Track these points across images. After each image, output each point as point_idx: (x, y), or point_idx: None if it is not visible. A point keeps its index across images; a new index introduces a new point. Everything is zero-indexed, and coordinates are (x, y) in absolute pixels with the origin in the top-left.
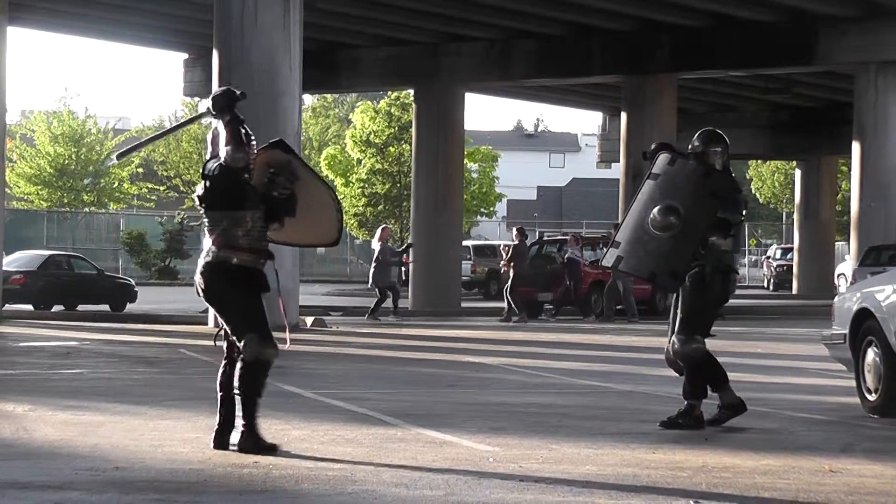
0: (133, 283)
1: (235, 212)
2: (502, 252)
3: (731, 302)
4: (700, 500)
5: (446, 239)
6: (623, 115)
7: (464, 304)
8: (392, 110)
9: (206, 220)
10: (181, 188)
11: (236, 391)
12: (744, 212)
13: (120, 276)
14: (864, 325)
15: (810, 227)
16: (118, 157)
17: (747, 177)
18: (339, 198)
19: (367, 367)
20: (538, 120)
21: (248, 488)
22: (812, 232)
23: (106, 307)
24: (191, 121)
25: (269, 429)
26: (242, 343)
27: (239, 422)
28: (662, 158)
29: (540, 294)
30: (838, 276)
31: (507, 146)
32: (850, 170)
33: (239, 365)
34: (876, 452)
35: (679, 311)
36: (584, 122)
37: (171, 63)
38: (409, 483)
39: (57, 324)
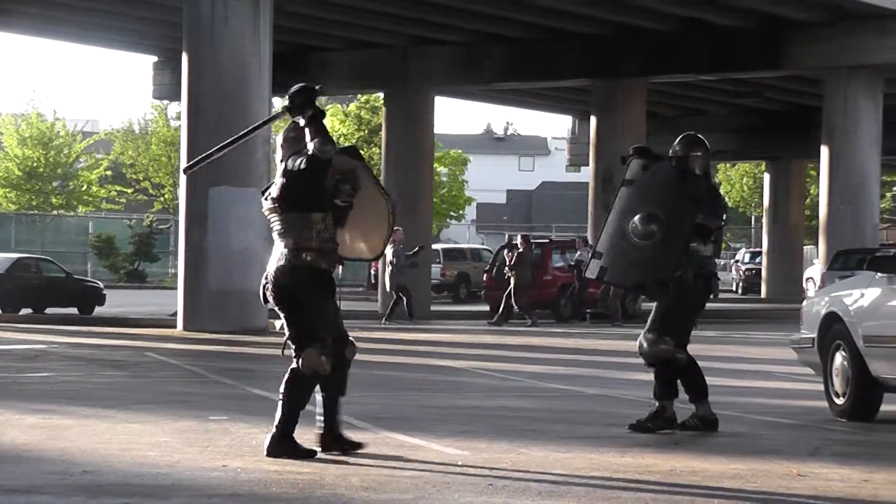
0: (102, 286)
1: (312, 213)
2: (506, 257)
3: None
4: None
5: (415, 242)
6: (593, 119)
7: (433, 308)
8: (362, 113)
9: (278, 222)
10: (150, 191)
11: (281, 396)
12: (724, 217)
13: (88, 279)
14: (833, 328)
15: (779, 230)
16: (185, 171)
17: (717, 180)
18: (395, 211)
19: None
20: (508, 123)
21: (216, 492)
22: (781, 236)
23: (74, 310)
24: (267, 122)
25: (237, 432)
26: (302, 353)
27: (273, 426)
28: (635, 164)
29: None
30: (807, 279)
31: (476, 150)
32: (818, 174)
33: (290, 373)
34: (844, 456)
35: (654, 310)
36: (554, 125)
37: (140, 66)
38: (377, 487)
39: (25, 327)
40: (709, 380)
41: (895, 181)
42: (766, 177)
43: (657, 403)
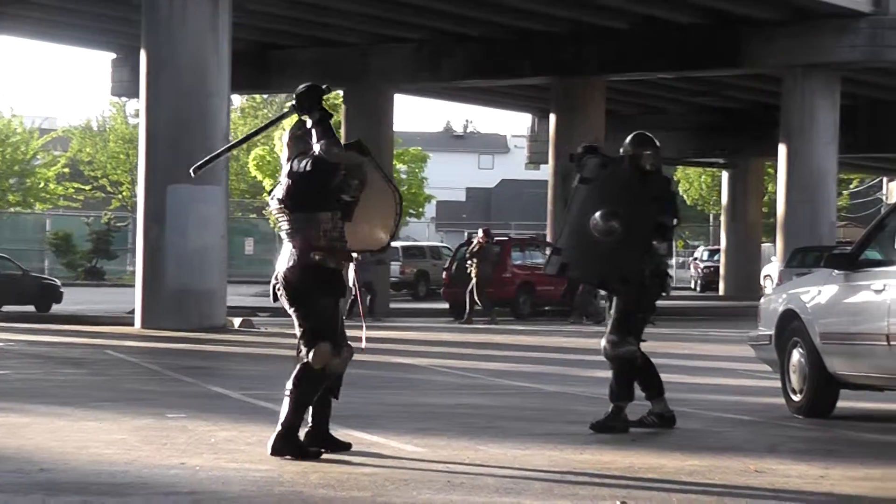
0: (59, 283)
1: (319, 213)
2: (466, 252)
3: (659, 303)
4: (627, 500)
5: None
6: (552, 117)
7: (392, 305)
8: None
9: (286, 222)
10: (108, 188)
11: (288, 392)
12: (679, 215)
13: (46, 276)
14: (790, 326)
15: (737, 228)
16: (194, 172)
17: (675, 178)
18: (402, 202)
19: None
20: (467, 121)
21: (173, 490)
22: (739, 234)
23: (32, 308)
24: (273, 122)
25: (196, 430)
26: (313, 350)
27: (278, 425)
28: (593, 162)
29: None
30: (765, 277)
31: (436, 147)
32: (776, 172)
33: (300, 368)
34: (801, 452)
35: (613, 312)
36: (513, 123)
37: (98, 62)
38: (336, 484)
39: None
40: (667, 377)
41: (852, 179)
42: (725, 175)
43: (613, 404)
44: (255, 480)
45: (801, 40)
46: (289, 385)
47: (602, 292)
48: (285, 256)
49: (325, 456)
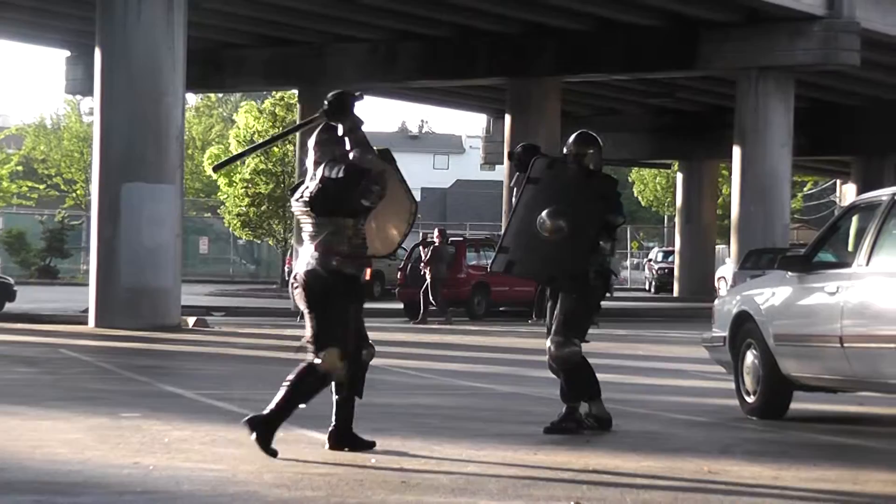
0: (12, 282)
1: (345, 219)
2: (421, 253)
3: (613, 304)
4: (581, 500)
5: None
6: (507, 118)
7: None
8: (276, 110)
9: (309, 225)
10: (62, 187)
11: (287, 383)
12: (624, 214)
13: None
14: (744, 327)
15: (691, 230)
16: (214, 170)
17: (629, 180)
18: (417, 213)
19: (250, 367)
20: (423, 121)
21: (127, 489)
22: (693, 235)
23: None
24: (303, 125)
25: (150, 430)
26: (322, 352)
27: (269, 408)
28: (540, 162)
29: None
30: (719, 279)
31: (391, 147)
32: (731, 174)
33: (305, 366)
34: (754, 454)
35: (558, 312)
36: (469, 124)
37: (52, 60)
38: (290, 484)
39: None
40: (621, 378)
41: (806, 182)
42: (679, 176)
43: (565, 406)
44: (209, 480)
45: (755, 43)
46: (290, 377)
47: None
48: (305, 258)
49: (280, 456)
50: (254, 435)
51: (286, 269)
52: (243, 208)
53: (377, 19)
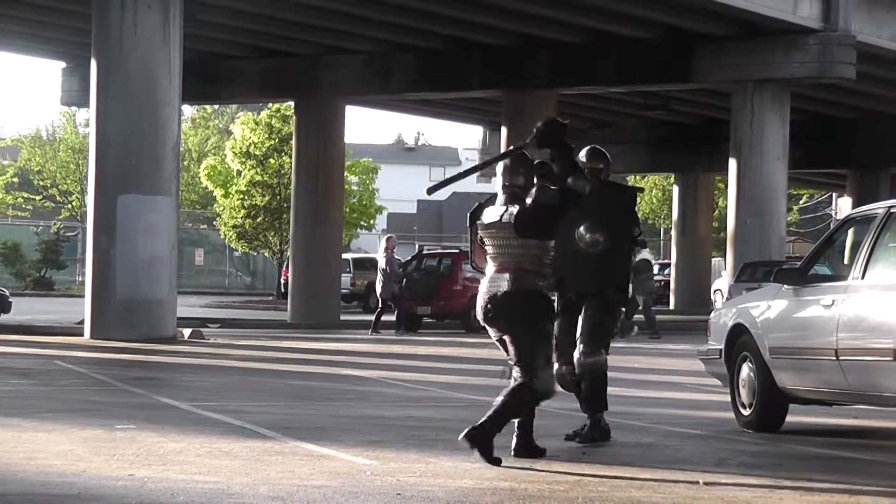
0: (7, 293)
1: (549, 241)
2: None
3: None
4: None
5: (326, 251)
6: (503, 130)
7: (343, 317)
8: (272, 122)
9: (508, 246)
10: (58, 198)
11: (504, 398)
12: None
13: None
14: (739, 340)
15: (687, 243)
16: (429, 192)
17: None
18: None
19: (245, 379)
20: (419, 134)
21: (122, 501)
22: (689, 248)
23: None
24: (511, 152)
25: (145, 441)
26: (539, 375)
27: (483, 418)
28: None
29: (419, 308)
30: (714, 291)
31: (387, 159)
32: (726, 186)
33: (521, 385)
34: (749, 466)
35: (586, 323)
36: (465, 136)
37: (48, 71)
38: (285, 496)
39: None
40: (618, 390)
41: (802, 194)
42: (675, 189)
43: (592, 416)
44: (205, 492)
45: (750, 56)
46: (506, 392)
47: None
48: (499, 280)
49: (274, 468)
50: (475, 451)
51: (282, 282)
52: (239, 220)
53: (372, 31)
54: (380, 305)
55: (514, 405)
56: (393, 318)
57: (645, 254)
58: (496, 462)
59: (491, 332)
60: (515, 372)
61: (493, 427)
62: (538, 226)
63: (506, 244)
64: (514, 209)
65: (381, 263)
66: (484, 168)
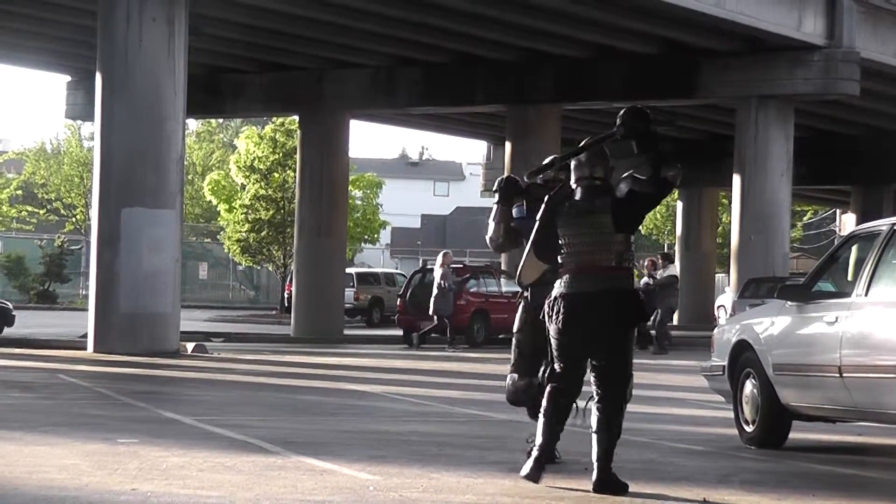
0: (11, 306)
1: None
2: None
3: None
4: None
5: (330, 266)
6: (507, 145)
7: (346, 332)
8: (277, 136)
9: (592, 239)
10: (62, 211)
11: (606, 433)
12: None
13: None
14: (743, 356)
15: (691, 258)
16: (528, 177)
17: None
18: None
19: (249, 394)
20: (423, 148)
21: None
22: (693, 263)
23: None
24: (599, 141)
25: (147, 456)
26: (630, 384)
27: (599, 464)
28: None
29: (422, 322)
30: (718, 307)
31: (391, 174)
32: (730, 202)
33: (612, 406)
34: (753, 483)
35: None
36: (469, 151)
37: (53, 85)
38: None
39: None
40: None
41: (806, 211)
42: (679, 205)
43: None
44: None
45: (755, 72)
46: (600, 424)
47: None
48: (585, 279)
49: (276, 482)
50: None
51: (285, 296)
52: (243, 234)
53: (377, 46)
54: (435, 321)
55: (617, 428)
56: (447, 334)
57: (672, 269)
58: (625, 487)
59: (562, 337)
60: (594, 385)
61: (608, 466)
62: (635, 218)
63: (591, 239)
64: (606, 201)
65: (437, 279)
66: (577, 154)
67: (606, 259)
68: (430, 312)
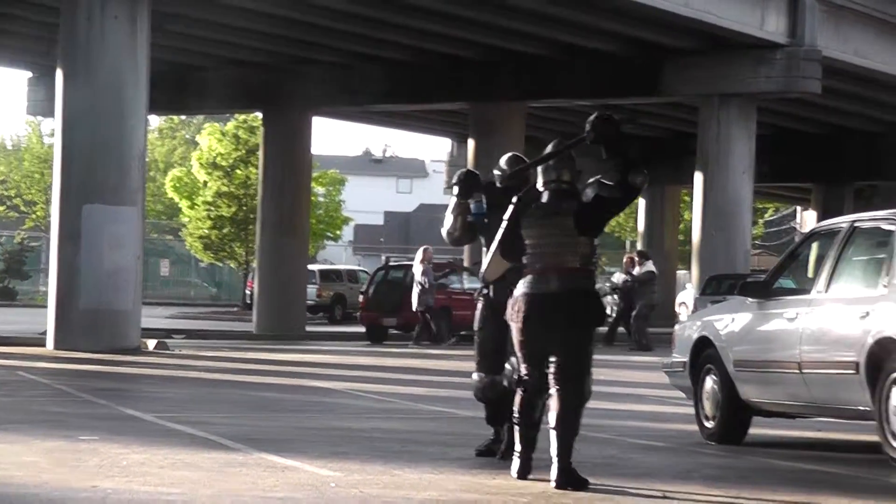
0: None
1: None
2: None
3: None
4: None
5: (292, 262)
6: (471, 142)
7: (308, 328)
8: (239, 133)
9: (556, 241)
10: (22, 208)
11: (562, 427)
12: None
13: None
14: (704, 353)
15: (653, 255)
16: (501, 182)
17: None
18: None
19: (210, 391)
20: (386, 146)
21: None
22: (655, 261)
23: None
24: (569, 146)
25: (108, 453)
26: (589, 380)
27: (558, 458)
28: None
29: (385, 319)
30: (680, 304)
31: (354, 171)
32: (692, 200)
33: (570, 402)
34: (713, 479)
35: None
36: (433, 148)
37: (13, 81)
38: None
39: None
40: None
41: (767, 208)
42: (642, 202)
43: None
44: None
45: (717, 70)
46: (558, 418)
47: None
48: (547, 280)
49: (237, 479)
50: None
51: (247, 293)
52: (205, 231)
53: (339, 42)
54: (422, 318)
55: (575, 423)
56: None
57: (649, 265)
58: (585, 482)
59: (524, 336)
60: (552, 381)
61: (568, 462)
62: (599, 222)
63: (556, 241)
64: (572, 204)
65: (418, 276)
66: (550, 159)
67: (571, 261)
68: (414, 308)
